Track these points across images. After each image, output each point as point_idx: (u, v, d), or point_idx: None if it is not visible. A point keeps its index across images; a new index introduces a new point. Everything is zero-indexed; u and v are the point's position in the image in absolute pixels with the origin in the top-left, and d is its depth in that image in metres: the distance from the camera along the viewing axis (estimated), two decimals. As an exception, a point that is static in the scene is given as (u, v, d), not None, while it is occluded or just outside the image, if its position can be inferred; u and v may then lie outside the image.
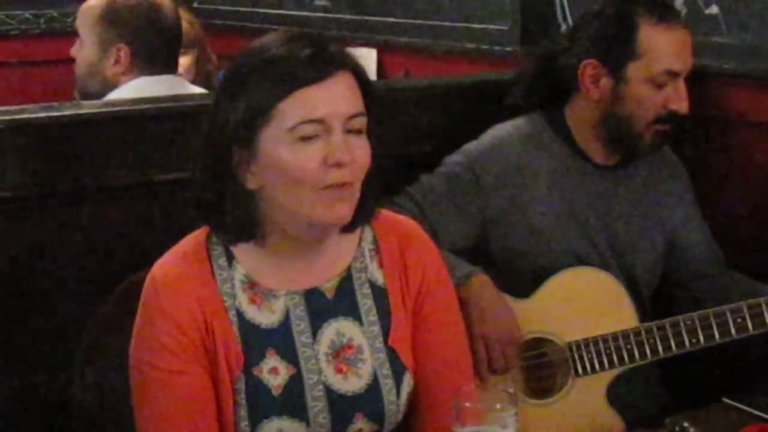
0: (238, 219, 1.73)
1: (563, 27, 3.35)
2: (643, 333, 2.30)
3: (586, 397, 2.33)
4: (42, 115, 2.40)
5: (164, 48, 2.87)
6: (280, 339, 1.79)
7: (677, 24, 2.41)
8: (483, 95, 2.67)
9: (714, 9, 2.88)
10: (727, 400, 2.09)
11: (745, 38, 2.83)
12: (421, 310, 1.89)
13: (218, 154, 1.70)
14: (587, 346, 2.30)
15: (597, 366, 2.30)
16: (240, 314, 1.77)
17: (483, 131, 2.43)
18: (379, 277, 1.88)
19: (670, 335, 2.29)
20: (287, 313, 1.80)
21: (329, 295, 1.83)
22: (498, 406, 1.52)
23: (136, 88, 2.76)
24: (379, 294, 1.87)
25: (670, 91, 2.39)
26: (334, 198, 1.69)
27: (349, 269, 1.85)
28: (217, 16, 4.66)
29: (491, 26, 3.50)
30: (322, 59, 1.67)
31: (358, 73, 1.74)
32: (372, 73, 3.83)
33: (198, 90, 2.98)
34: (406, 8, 3.86)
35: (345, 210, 1.71)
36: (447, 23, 3.69)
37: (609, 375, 2.32)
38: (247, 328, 1.77)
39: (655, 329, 2.30)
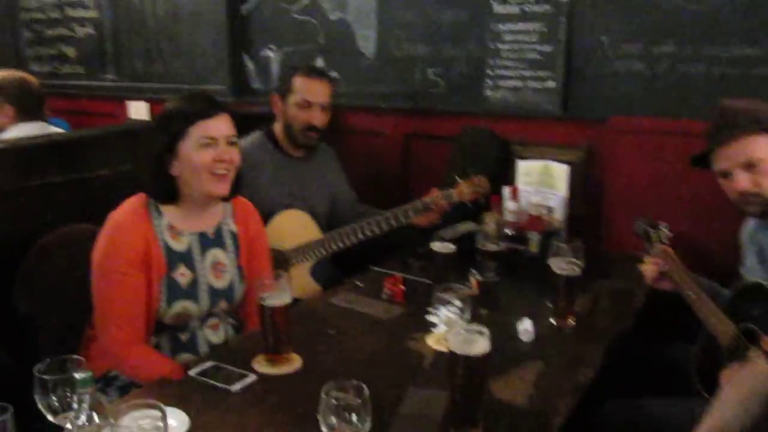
0: (166, 191, 1.84)
1: (257, 86, 3.68)
2: (320, 241, 2.53)
3: (301, 275, 2.51)
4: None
5: (34, 105, 2.89)
6: (186, 258, 1.87)
7: (318, 77, 2.63)
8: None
9: (334, 74, 3.27)
10: (374, 268, 2.38)
11: (349, 91, 3.33)
12: (253, 248, 2.02)
13: (157, 156, 1.81)
14: (297, 249, 2.52)
15: (302, 260, 2.52)
16: (165, 243, 1.84)
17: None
18: (234, 228, 1.99)
19: (335, 239, 2.52)
20: (190, 244, 1.89)
21: (210, 236, 1.93)
22: (281, 281, 1.67)
23: (18, 130, 2.80)
24: (234, 237, 1.98)
25: (311, 112, 2.59)
26: (219, 181, 1.83)
27: (220, 223, 1.96)
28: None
29: (214, 87, 3.71)
30: (212, 105, 1.82)
31: (231, 114, 1.86)
32: (147, 116, 3.85)
33: (55, 129, 2.97)
34: (163, 79, 3.89)
35: (225, 187, 1.85)
36: (185, 85, 3.79)
37: (309, 263, 2.54)
38: (168, 251, 1.85)
39: (326, 238, 2.53)
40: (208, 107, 1.81)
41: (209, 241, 1.93)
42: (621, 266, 2.44)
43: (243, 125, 1.91)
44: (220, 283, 1.93)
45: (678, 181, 2.58)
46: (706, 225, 2.51)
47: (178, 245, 1.87)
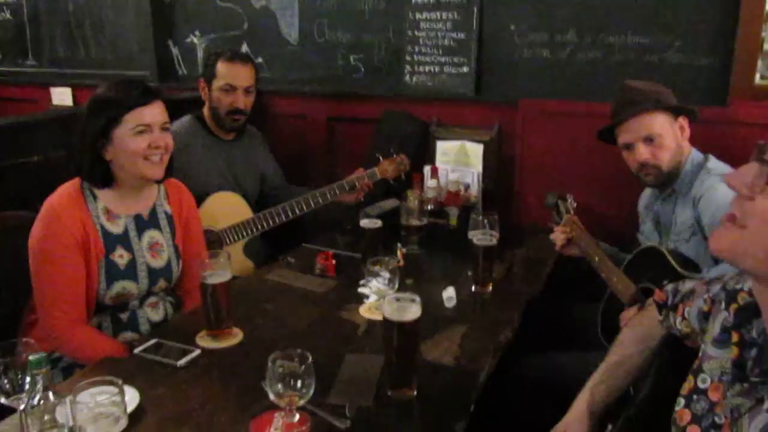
0: (101, 175, 1.83)
1: (180, 72, 3.57)
2: (251, 220, 2.50)
3: (234, 254, 2.46)
4: None
5: None
6: (123, 240, 1.87)
7: (240, 61, 2.58)
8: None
9: (259, 60, 3.33)
10: (305, 245, 2.43)
11: (274, 76, 3.31)
12: (187, 227, 2.03)
13: (90, 142, 1.78)
14: (230, 229, 2.47)
15: (235, 239, 2.47)
16: (102, 227, 1.83)
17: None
18: (168, 209, 1.99)
19: (266, 218, 2.50)
20: (126, 226, 1.88)
21: (146, 218, 1.93)
22: (221, 260, 1.69)
23: None
24: (169, 218, 1.99)
25: (235, 96, 2.55)
26: (153, 164, 1.83)
27: (154, 204, 1.96)
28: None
29: (138, 72, 3.65)
30: (147, 93, 1.80)
31: (164, 100, 1.84)
32: (70, 102, 3.72)
33: None
34: (86, 64, 3.74)
35: (159, 171, 1.85)
36: (109, 70, 3.69)
37: (242, 242, 2.50)
38: (105, 234, 1.84)
39: (258, 217, 2.49)
40: (143, 95, 1.79)
41: (145, 222, 1.93)
42: (532, 236, 2.55)
43: (168, 110, 1.87)
44: (158, 263, 1.94)
45: (582, 156, 2.71)
46: (608, 196, 2.64)
47: (115, 228, 1.86)
